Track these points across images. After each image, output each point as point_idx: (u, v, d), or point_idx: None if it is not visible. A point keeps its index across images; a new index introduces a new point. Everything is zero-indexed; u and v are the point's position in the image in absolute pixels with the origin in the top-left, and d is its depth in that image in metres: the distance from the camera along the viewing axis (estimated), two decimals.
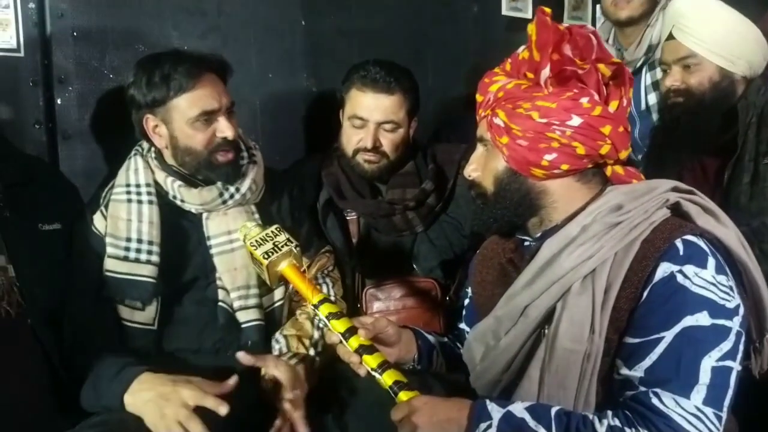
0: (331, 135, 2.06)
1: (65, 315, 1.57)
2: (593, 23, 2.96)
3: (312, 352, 1.63)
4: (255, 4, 2.14)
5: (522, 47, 1.26)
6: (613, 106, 1.22)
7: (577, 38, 1.20)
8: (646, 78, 2.41)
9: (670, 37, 1.82)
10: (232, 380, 1.43)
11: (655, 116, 2.41)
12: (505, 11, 2.70)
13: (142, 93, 1.61)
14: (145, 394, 1.40)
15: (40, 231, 1.56)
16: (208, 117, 1.62)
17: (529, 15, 2.72)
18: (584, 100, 1.19)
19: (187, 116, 1.60)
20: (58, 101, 1.84)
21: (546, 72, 1.19)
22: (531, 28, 1.21)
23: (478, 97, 1.30)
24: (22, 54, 1.78)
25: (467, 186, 1.38)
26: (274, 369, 1.50)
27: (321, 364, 1.62)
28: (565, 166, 1.21)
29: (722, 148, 1.79)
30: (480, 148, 1.31)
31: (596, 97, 1.20)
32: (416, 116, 2.01)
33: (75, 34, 1.84)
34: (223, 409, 1.36)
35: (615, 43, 2.50)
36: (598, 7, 2.95)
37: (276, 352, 1.62)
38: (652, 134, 2.20)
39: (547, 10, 1.21)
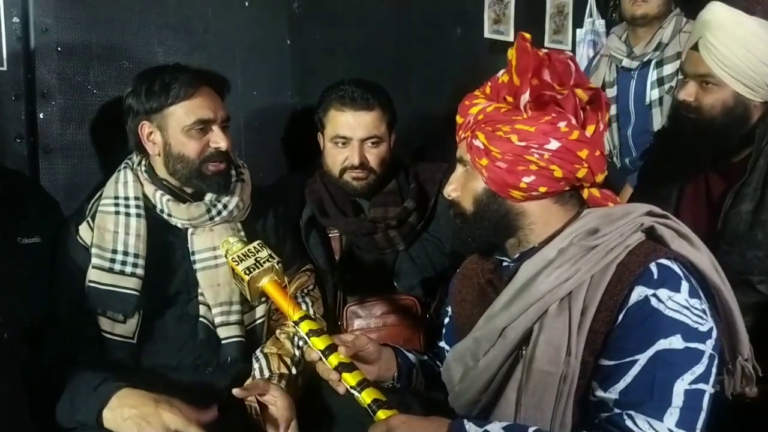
0: (316, 152, 2.07)
1: (46, 326, 1.55)
2: (573, 47, 3.02)
3: (294, 371, 1.63)
4: (241, 21, 2.15)
5: (502, 71, 1.28)
6: (590, 131, 1.24)
7: (556, 64, 1.22)
8: (653, 74, 2.48)
9: (695, 47, 1.70)
10: (214, 411, 1.43)
11: (655, 111, 2.48)
12: (487, 34, 2.74)
13: (141, 101, 1.64)
14: (126, 412, 1.39)
15: (20, 244, 1.56)
16: (203, 126, 1.64)
17: (511, 38, 2.76)
18: (562, 125, 1.21)
19: (182, 124, 1.62)
20: (41, 115, 1.83)
21: (525, 96, 1.20)
22: (511, 53, 1.23)
23: (459, 119, 1.31)
24: (5, 68, 1.78)
25: (447, 205, 1.39)
26: (270, 396, 1.52)
27: (302, 382, 1.62)
28: (542, 189, 1.23)
29: (733, 169, 1.71)
30: (459, 169, 1.32)
31: (574, 121, 1.22)
32: (395, 129, 2.03)
33: (59, 48, 1.84)
34: None
35: (627, 41, 2.58)
36: (578, 31, 3.03)
37: (256, 370, 1.62)
38: (655, 138, 2.22)
39: (527, 35, 1.23)
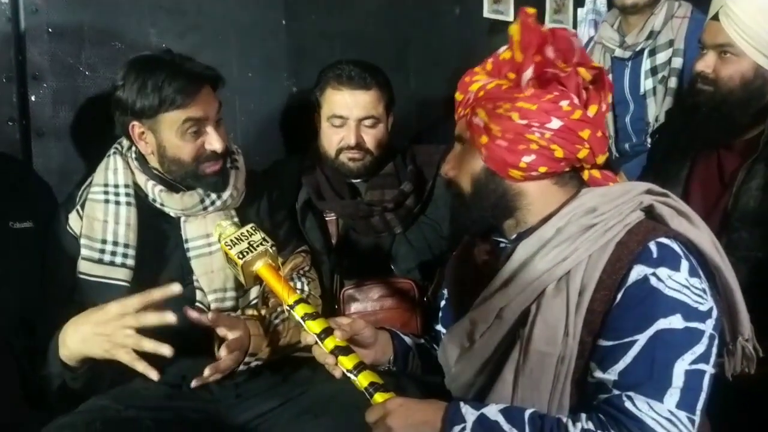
0: (311, 136, 2.05)
1: (38, 317, 1.54)
2: (575, 27, 2.98)
3: (265, 313, 1.62)
4: (235, 4, 2.12)
5: (503, 47, 1.25)
6: (592, 111, 1.22)
7: (560, 41, 1.20)
8: (646, 63, 2.45)
9: (715, 17, 1.66)
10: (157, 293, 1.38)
11: (650, 101, 2.45)
12: (486, 14, 2.70)
13: (132, 100, 1.56)
14: (78, 333, 1.36)
15: (11, 229, 1.54)
16: (197, 127, 1.59)
17: (510, 18, 2.73)
18: (564, 103, 1.18)
19: (175, 125, 1.57)
20: (32, 98, 1.81)
21: (528, 73, 1.18)
22: (514, 29, 1.21)
23: (458, 96, 1.29)
24: None
25: (445, 184, 1.37)
26: (212, 321, 1.48)
27: (275, 338, 1.60)
28: (542, 169, 1.20)
29: (746, 146, 1.68)
30: (457, 147, 1.30)
31: (576, 100, 1.20)
32: (392, 111, 2.01)
33: (50, 30, 1.81)
34: (170, 317, 1.34)
35: (619, 29, 2.54)
36: (579, 10, 2.99)
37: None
38: (667, 117, 2.20)
39: (531, 10, 1.20)
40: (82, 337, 1.36)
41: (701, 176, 1.77)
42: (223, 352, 1.46)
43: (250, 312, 1.63)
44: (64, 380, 1.44)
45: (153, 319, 1.33)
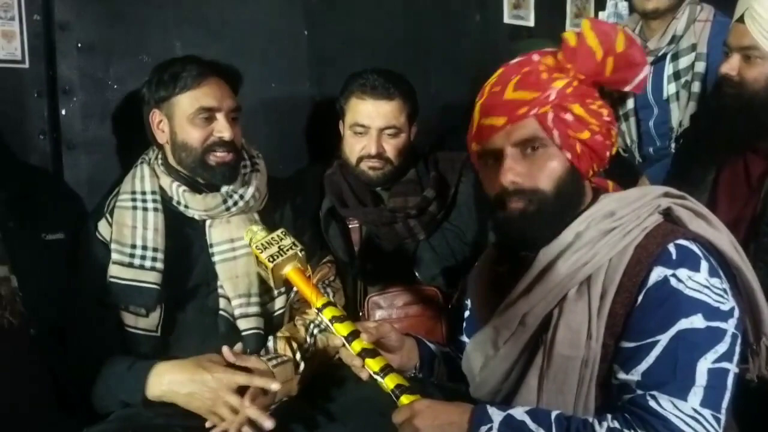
0: (334, 143, 2.07)
1: (69, 323, 1.58)
2: None
3: (298, 356, 1.62)
4: (258, 13, 2.15)
5: (546, 50, 1.27)
6: None
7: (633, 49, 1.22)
8: (669, 68, 2.42)
9: (740, 19, 1.64)
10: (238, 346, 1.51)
11: (673, 105, 2.43)
12: (507, 19, 2.70)
13: (152, 90, 1.68)
14: (177, 384, 1.46)
15: (44, 240, 1.59)
16: (207, 115, 1.65)
17: (531, 23, 2.72)
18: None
19: (187, 112, 1.65)
20: (63, 112, 1.86)
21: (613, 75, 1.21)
22: (586, 26, 1.21)
23: (525, 94, 1.19)
24: (27, 65, 1.80)
25: (510, 193, 1.21)
26: (254, 365, 1.52)
27: (306, 371, 1.61)
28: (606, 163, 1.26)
29: None
30: (515, 153, 1.21)
31: None
32: (416, 121, 2.02)
33: (79, 45, 1.86)
34: (274, 386, 1.44)
35: (641, 34, 2.52)
36: (600, 13, 2.97)
37: (262, 351, 1.63)
38: (692, 121, 2.17)
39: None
40: (188, 392, 1.45)
41: (728, 180, 1.75)
42: (247, 402, 1.47)
43: (282, 345, 1.64)
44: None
45: (253, 413, 1.42)
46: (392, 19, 2.43)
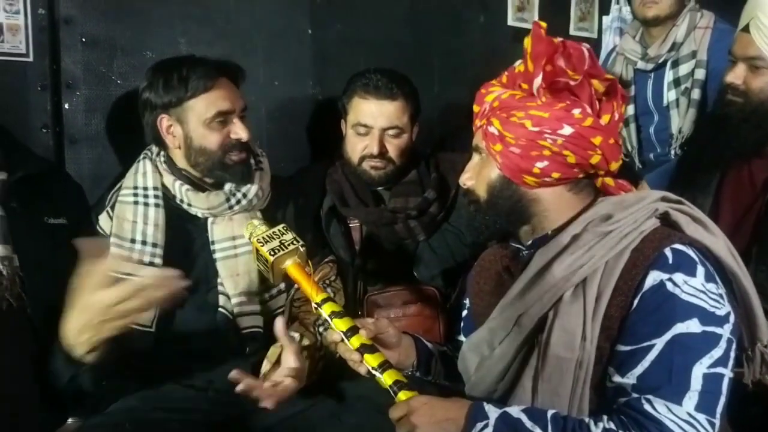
0: (336, 143, 2.08)
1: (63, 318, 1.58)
2: (599, 34, 2.97)
3: (316, 355, 1.64)
4: (262, 12, 2.16)
5: (519, 61, 1.29)
6: (605, 119, 1.24)
7: (570, 51, 1.22)
8: (669, 75, 2.43)
9: (746, 29, 1.65)
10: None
11: (673, 112, 2.43)
12: (510, 22, 2.71)
13: (159, 95, 1.65)
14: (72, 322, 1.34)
15: (46, 224, 1.58)
16: (223, 118, 1.65)
17: None
18: (576, 111, 1.21)
19: (203, 117, 1.64)
20: (66, 106, 1.87)
21: (538, 81, 1.21)
22: (527, 41, 1.24)
23: (475, 108, 1.32)
24: (31, 59, 1.82)
25: (462, 193, 1.41)
26: (290, 356, 1.50)
27: (321, 366, 1.63)
28: (556, 174, 1.23)
29: None
30: (475, 157, 1.33)
31: (588, 109, 1.22)
32: (418, 121, 2.03)
33: (83, 40, 1.87)
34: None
35: (642, 41, 2.52)
36: (604, 18, 2.98)
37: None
38: (695, 128, 2.16)
39: (543, 24, 1.24)
40: (83, 324, 1.32)
41: (732, 185, 1.76)
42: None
43: (305, 341, 1.63)
44: (73, 376, 1.43)
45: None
46: (396, 19, 2.44)
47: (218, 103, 1.64)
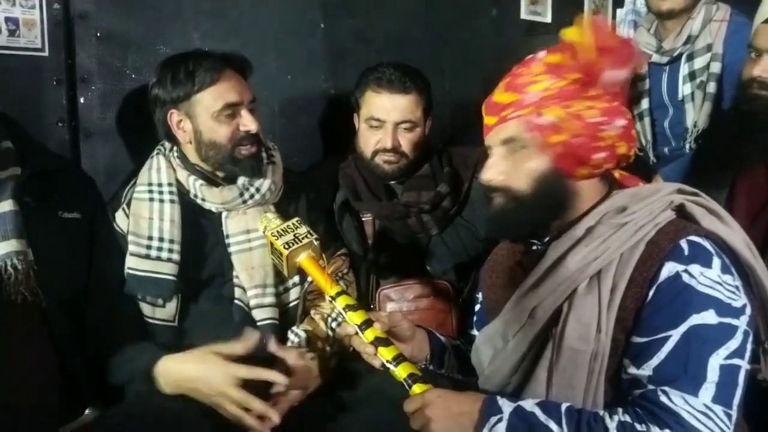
0: (349, 137, 2.08)
1: (87, 313, 1.59)
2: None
3: (328, 349, 1.64)
4: (275, 7, 2.16)
5: (542, 50, 1.26)
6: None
7: (625, 45, 1.23)
8: (684, 68, 2.41)
9: (767, 21, 1.63)
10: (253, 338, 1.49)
11: (688, 106, 2.41)
12: (524, 15, 2.70)
13: (167, 90, 1.66)
14: (182, 373, 1.47)
15: (60, 218, 1.59)
16: (231, 110, 1.66)
17: (548, 19, 2.72)
18: (617, 104, 1.23)
19: (211, 110, 1.65)
20: (81, 100, 1.87)
21: (612, 73, 1.20)
22: (573, 32, 1.22)
23: (509, 96, 1.25)
24: (46, 53, 1.82)
25: (488, 190, 1.30)
26: (294, 360, 1.52)
27: (334, 362, 1.64)
28: (607, 165, 1.24)
29: None
30: (501, 151, 1.27)
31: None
32: (431, 115, 2.02)
33: (98, 34, 1.88)
34: (280, 378, 1.44)
35: (656, 33, 2.51)
36: (618, 10, 2.96)
37: (292, 344, 1.64)
38: (712, 121, 2.14)
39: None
40: (193, 387, 1.46)
41: (747, 181, 1.75)
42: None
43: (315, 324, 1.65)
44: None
45: (259, 407, 1.42)
46: (408, 13, 2.44)
47: (225, 95, 1.65)
